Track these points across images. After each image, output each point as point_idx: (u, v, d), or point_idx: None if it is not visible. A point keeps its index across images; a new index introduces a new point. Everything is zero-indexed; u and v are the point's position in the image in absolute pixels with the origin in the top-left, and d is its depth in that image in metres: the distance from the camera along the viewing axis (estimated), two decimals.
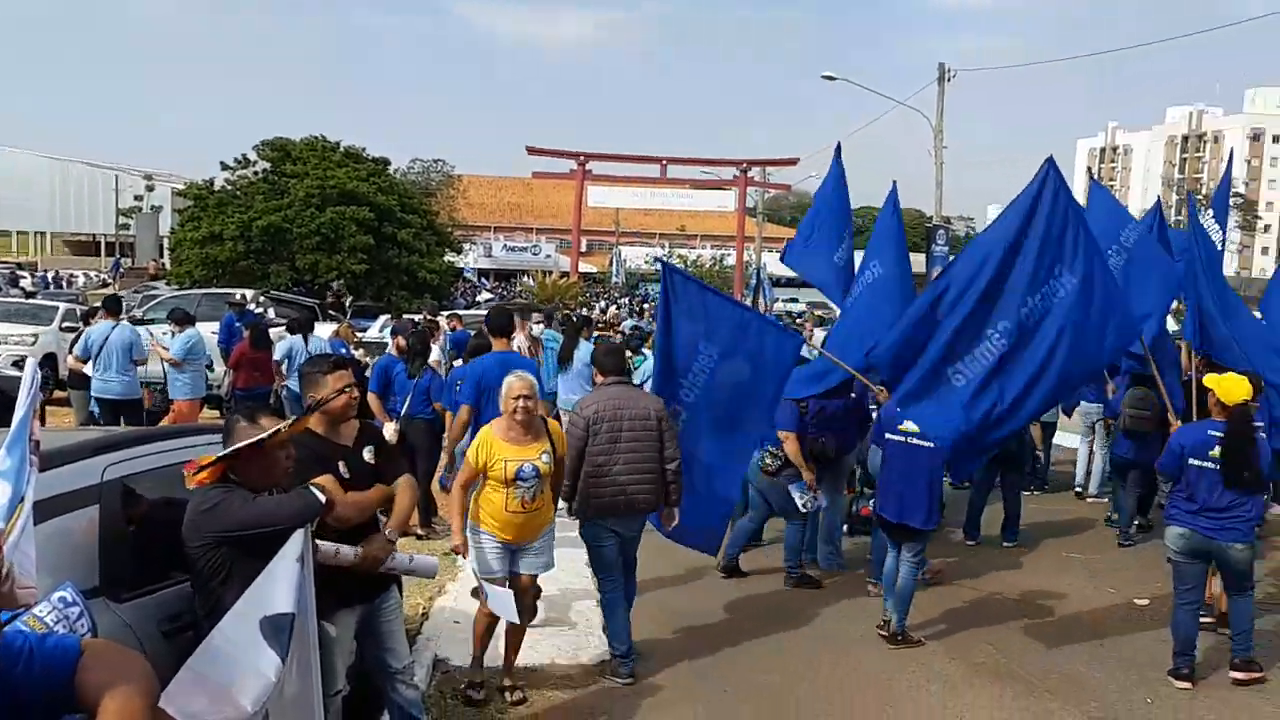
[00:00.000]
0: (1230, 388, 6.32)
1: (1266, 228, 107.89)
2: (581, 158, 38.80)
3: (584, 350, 11.61)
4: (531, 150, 38.33)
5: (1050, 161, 6.77)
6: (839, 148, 10.58)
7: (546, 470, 5.64)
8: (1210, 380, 6.56)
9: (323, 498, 3.82)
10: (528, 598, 5.88)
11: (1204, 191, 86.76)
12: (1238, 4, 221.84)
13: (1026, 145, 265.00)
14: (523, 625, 5.88)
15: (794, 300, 46.08)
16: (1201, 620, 7.26)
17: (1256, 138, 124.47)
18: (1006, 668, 6.57)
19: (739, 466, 7.43)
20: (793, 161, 42.34)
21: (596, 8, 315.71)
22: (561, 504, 6.24)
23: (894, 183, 9.30)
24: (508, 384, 5.64)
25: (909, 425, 6.81)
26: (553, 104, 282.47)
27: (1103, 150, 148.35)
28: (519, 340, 10.58)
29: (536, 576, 5.88)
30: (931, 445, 6.72)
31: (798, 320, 25.13)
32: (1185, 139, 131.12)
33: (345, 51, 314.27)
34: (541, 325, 11.02)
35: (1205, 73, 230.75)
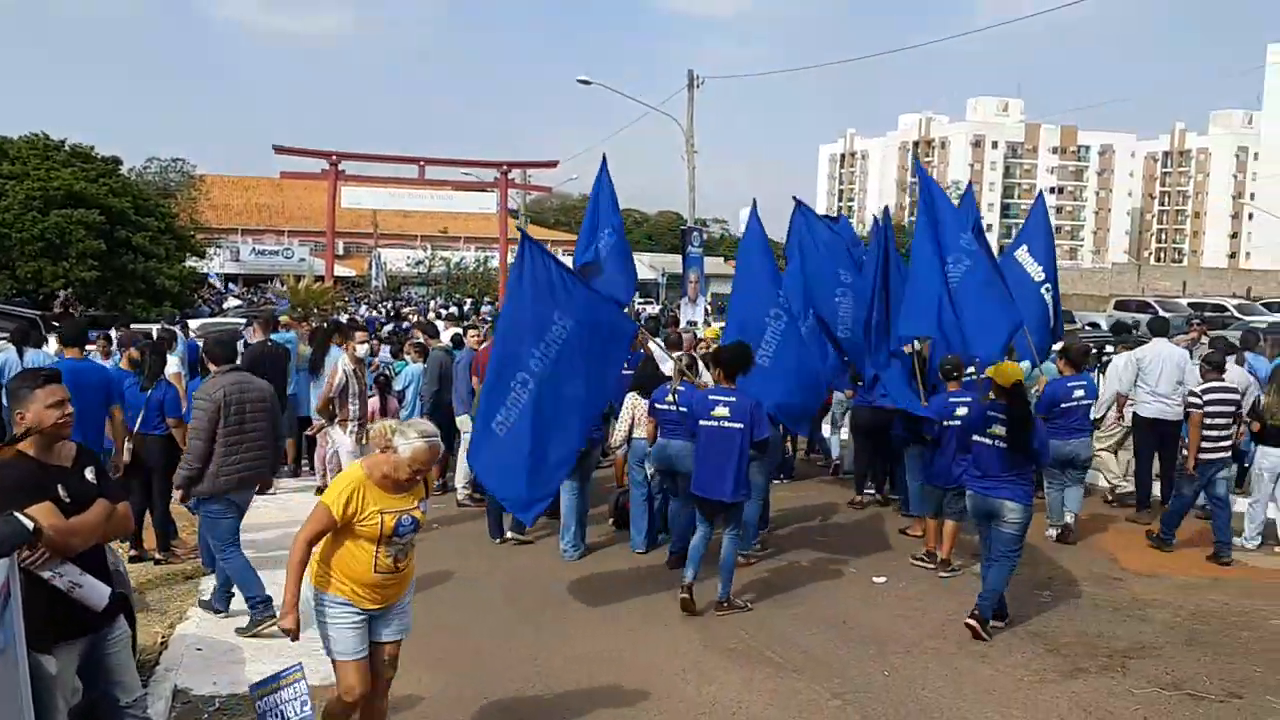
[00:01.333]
0: (1006, 372, 7.29)
1: (989, 226, 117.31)
2: (334, 157, 37.42)
3: (334, 357, 11.23)
4: (279, 149, 36.62)
5: (917, 163, 8.03)
6: (604, 158, 11.31)
7: (424, 520, 4.86)
8: (989, 370, 7.59)
9: (30, 524, 3.53)
10: (390, 671, 4.97)
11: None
12: (961, 17, 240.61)
13: (775, 149, 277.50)
14: (383, 703, 5.11)
15: None
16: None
17: (977, 143, 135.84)
18: (757, 651, 6.85)
19: (576, 438, 7.90)
20: (553, 164, 42.45)
21: (352, 2, 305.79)
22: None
23: (754, 200, 9.87)
24: (416, 450, 4.58)
25: (720, 411, 7.52)
26: (303, 101, 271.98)
27: (842, 155, 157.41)
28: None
29: (400, 643, 4.99)
30: (740, 427, 7.45)
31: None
32: (916, 144, 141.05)
33: (71, 40, 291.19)
34: (367, 346, 10.10)
35: (932, 82, 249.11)
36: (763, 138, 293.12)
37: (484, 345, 11.32)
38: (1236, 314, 34.49)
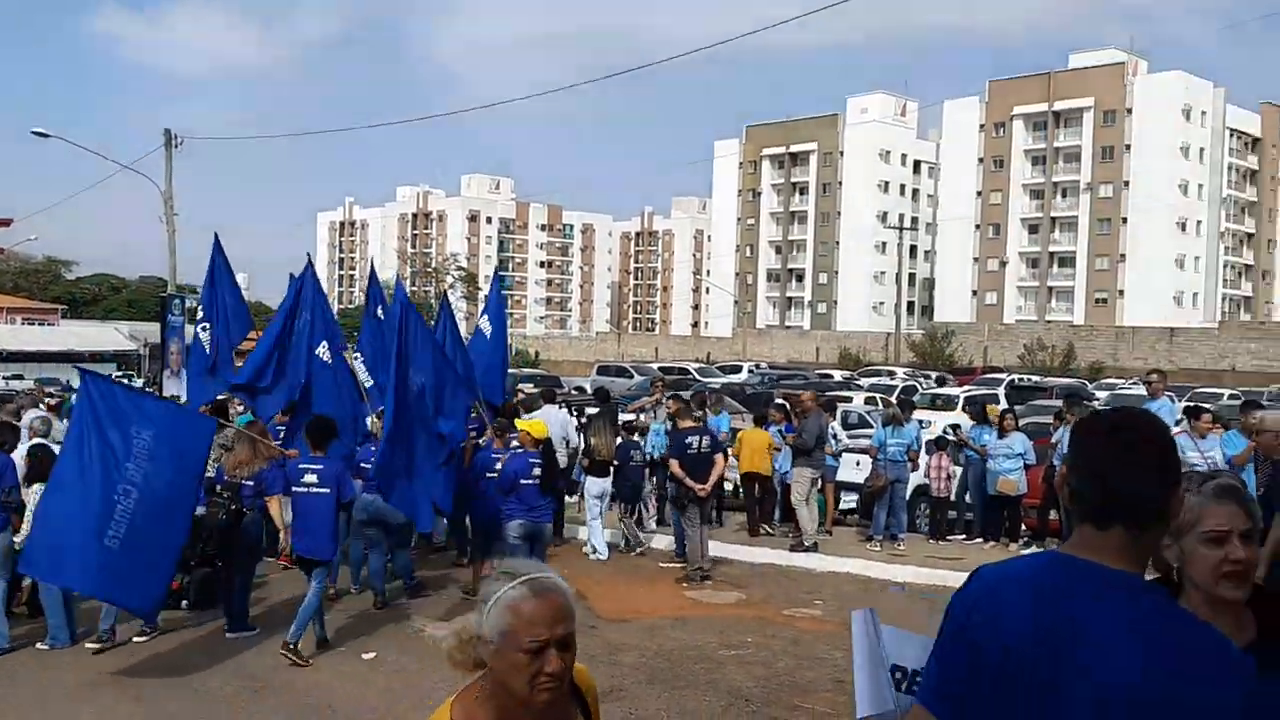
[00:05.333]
0: (536, 429, 9.96)
1: (486, 297, 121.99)
2: None
3: None
4: None
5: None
6: (216, 237, 11.71)
7: None
8: (521, 423, 10.27)
9: None
10: None
11: (433, 265, 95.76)
12: (452, 95, 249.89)
13: (269, 215, 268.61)
14: None
15: (19, 377, 41.06)
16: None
17: (474, 218, 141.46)
18: None
19: (180, 533, 8.15)
20: (5, 223, 37.82)
21: None
22: None
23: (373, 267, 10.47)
24: (514, 610, 2.10)
25: (309, 478, 8.24)
26: None
27: (342, 224, 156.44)
28: None
29: None
30: (328, 491, 8.22)
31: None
32: (415, 216, 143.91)
33: None
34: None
35: (431, 156, 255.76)
36: (257, 202, 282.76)
37: None
38: (697, 376, 39.01)
